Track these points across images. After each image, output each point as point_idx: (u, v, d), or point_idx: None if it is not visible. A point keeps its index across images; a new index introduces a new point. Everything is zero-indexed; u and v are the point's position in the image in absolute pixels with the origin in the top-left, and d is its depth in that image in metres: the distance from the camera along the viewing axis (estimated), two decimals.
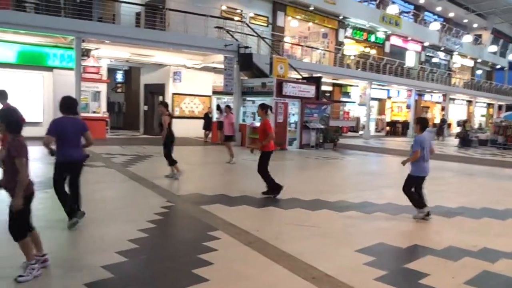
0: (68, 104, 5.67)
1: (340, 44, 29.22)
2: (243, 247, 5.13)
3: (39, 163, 9.86)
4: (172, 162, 9.67)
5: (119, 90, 25.70)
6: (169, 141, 9.68)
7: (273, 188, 8.13)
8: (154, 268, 4.44)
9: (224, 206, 7.16)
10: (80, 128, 5.67)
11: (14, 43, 15.78)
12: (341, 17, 28.72)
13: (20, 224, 3.96)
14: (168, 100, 20.92)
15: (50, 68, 16.69)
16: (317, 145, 18.91)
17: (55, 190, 5.65)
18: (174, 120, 20.40)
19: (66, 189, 5.73)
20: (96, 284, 3.89)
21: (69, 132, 5.52)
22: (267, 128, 8.18)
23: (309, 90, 18.81)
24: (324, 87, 26.03)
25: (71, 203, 5.68)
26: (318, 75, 21.89)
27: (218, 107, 18.66)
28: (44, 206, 6.57)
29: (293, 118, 18.41)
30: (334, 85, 29.92)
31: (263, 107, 8.39)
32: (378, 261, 4.85)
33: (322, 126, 19.10)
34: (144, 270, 4.40)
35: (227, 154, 12.62)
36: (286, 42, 25.57)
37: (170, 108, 20.34)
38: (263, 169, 8.19)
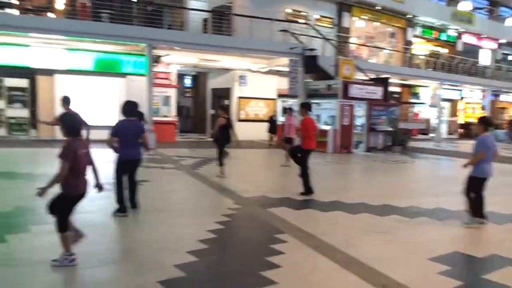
0: (128, 108, 6.41)
1: (408, 43, 28.22)
2: (311, 251, 5.10)
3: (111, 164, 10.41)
4: (221, 163, 10.00)
5: (187, 94, 26.53)
6: (220, 143, 10.00)
7: (307, 189, 8.28)
8: (223, 269, 4.53)
9: (290, 209, 7.16)
10: (138, 130, 6.44)
11: (92, 52, 16.80)
12: (409, 16, 27.73)
13: (62, 219, 4.31)
14: (234, 103, 21.30)
15: (123, 75, 17.59)
16: (384, 148, 18.37)
17: (115, 185, 6.38)
18: (239, 123, 20.84)
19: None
20: (169, 282, 4.04)
21: (128, 133, 6.28)
22: (304, 125, 8.37)
23: (376, 92, 18.33)
24: (392, 88, 25.24)
25: (124, 197, 6.38)
26: (386, 76, 21.28)
27: (285, 110, 18.68)
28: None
29: (359, 121, 18.03)
30: (402, 86, 28.93)
31: (304, 106, 8.70)
32: (454, 270, 4.62)
33: (390, 129, 18.54)
34: (214, 270, 4.51)
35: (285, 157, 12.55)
36: (352, 43, 25.13)
37: (235, 112, 20.95)
38: (303, 165, 8.31)
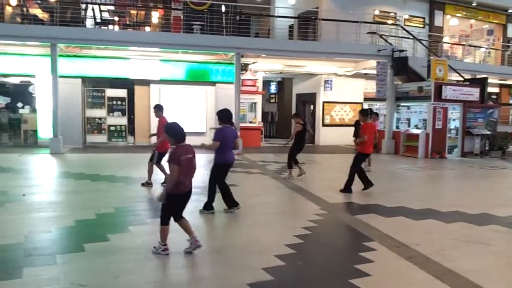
0: (227, 115, 6.86)
1: (509, 40, 26.05)
2: (402, 261, 4.91)
3: (202, 169, 10.85)
4: (289, 165, 10.43)
5: (272, 100, 26.86)
6: (295, 148, 10.39)
7: (348, 184, 8.75)
8: (311, 275, 4.52)
9: (379, 216, 6.95)
10: (234, 135, 6.88)
11: (184, 62, 17.68)
12: (510, 11, 25.62)
13: (165, 214, 4.82)
14: (319, 108, 21.15)
15: (213, 83, 18.27)
16: (481, 153, 17.11)
17: (210, 185, 6.87)
18: (324, 129, 20.62)
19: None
20: (258, 285, 4.12)
21: (228, 139, 6.71)
22: (363, 130, 8.85)
23: (473, 93, 17.15)
24: (490, 89, 23.44)
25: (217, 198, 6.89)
26: (483, 76, 19.84)
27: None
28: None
29: (454, 124, 16.99)
30: (501, 86, 26.75)
31: (362, 113, 9.36)
32: None
33: (488, 132, 17.23)
34: (302, 276, 4.51)
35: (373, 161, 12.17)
36: (445, 43, 23.79)
37: (319, 117, 20.79)
38: (355, 167, 8.76)
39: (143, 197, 8.04)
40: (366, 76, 20.93)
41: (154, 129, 10.21)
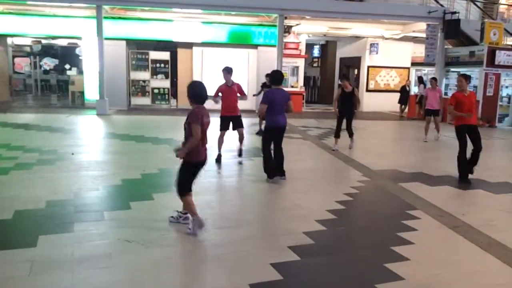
0: (277, 77, 6.69)
1: None
2: (447, 231, 4.79)
3: (246, 134, 10.88)
4: (336, 134, 9.74)
5: (315, 64, 26.34)
6: (340, 115, 9.72)
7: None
8: (353, 240, 4.50)
9: (423, 185, 6.78)
10: (285, 97, 6.61)
11: (226, 24, 17.50)
12: None
13: (182, 185, 4.46)
14: (363, 73, 20.58)
15: (255, 46, 18.04)
16: None
17: (263, 151, 6.71)
18: (368, 94, 20.10)
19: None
20: (299, 247, 4.14)
21: (277, 101, 6.47)
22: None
23: None
24: None
25: (273, 164, 6.66)
26: None
27: (421, 80, 17.54)
28: (251, 172, 7.27)
29: (506, 91, 16.13)
30: None
31: (466, 78, 7.33)
32: None
33: None
34: (343, 241, 4.51)
35: (432, 130, 11.74)
36: (502, 4, 22.31)
37: (364, 82, 20.23)
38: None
39: None
40: (414, 40, 20.04)
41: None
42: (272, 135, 6.65)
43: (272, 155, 6.71)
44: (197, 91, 4.61)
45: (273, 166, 6.65)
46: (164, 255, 3.92)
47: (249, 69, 18.11)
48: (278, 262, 3.80)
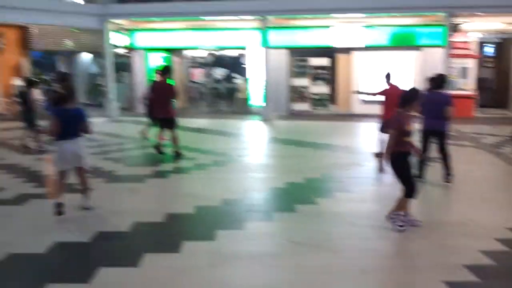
0: (436, 81, 6.58)
1: None
2: None
3: None
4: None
5: (488, 65, 23.79)
6: None
7: None
8: None
9: None
10: (443, 101, 6.41)
11: (387, 26, 16.93)
12: None
13: (408, 182, 4.58)
14: None
15: (418, 47, 17.08)
16: None
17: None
18: None
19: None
20: (476, 267, 3.80)
21: (435, 104, 6.30)
22: None
23: None
24: None
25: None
26: None
27: None
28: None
29: None
30: None
31: None
32: None
33: None
34: None
35: None
36: None
37: None
38: None
39: (347, 164, 8.10)
40: None
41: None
42: (426, 138, 6.53)
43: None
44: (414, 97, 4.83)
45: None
46: (329, 260, 3.97)
47: (412, 72, 17.23)
48: (453, 281, 3.55)
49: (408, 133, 4.58)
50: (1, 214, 5.27)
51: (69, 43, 18.85)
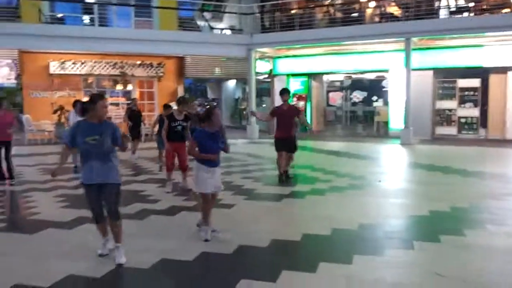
0: None
1: None
2: None
3: None
4: None
5: None
6: None
7: None
8: None
9: None
10: None
11: None
12: None
13: None
14: None
15: None
16: None
17: None
18: None
19: None
20: None
21: None
22: None
23: None
24: None
25: None
26: None
27: None
28: None
29: None
30: None
31: None
32: None
33: None
34: None
35: None
36: None
37: None
38: None
39: (500, 194, 7.30)
40: None
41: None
42: None
43: None
44: None
45: None
46: None
47: None
48: None
49: None
50: (158, 223, 5.88)
51: (218, 71, 20.56)
